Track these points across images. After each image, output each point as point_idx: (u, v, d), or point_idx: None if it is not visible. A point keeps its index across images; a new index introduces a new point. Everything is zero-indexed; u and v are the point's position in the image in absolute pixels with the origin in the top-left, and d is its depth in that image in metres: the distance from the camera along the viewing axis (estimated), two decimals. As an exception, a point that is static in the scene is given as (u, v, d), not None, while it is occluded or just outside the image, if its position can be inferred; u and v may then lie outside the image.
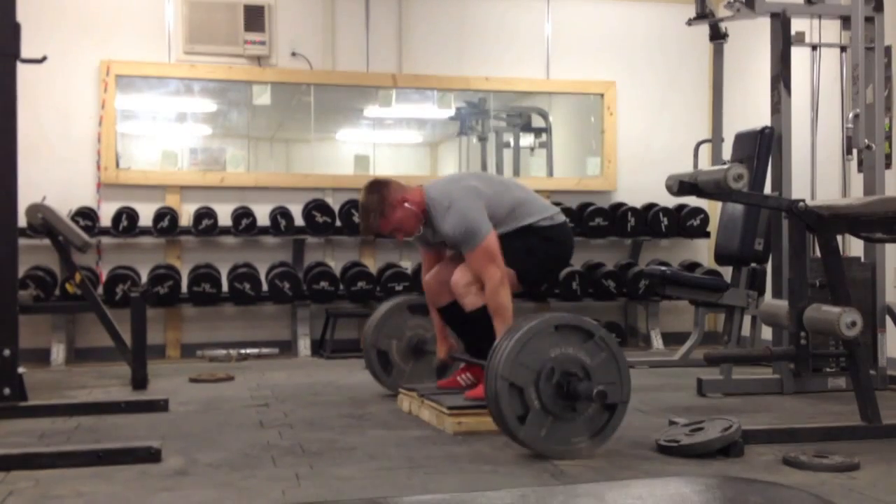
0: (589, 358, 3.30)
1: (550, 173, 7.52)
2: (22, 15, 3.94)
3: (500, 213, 4.01)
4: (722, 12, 5.24)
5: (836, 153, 5.30)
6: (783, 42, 4.89)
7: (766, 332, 5.16)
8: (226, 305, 6.59)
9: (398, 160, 7.69)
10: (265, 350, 6.56)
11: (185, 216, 6.68)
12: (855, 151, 4.74)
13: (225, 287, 6.49)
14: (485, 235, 3.89)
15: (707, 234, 7.20)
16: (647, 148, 7.47)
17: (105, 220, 6.50)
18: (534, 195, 4.22)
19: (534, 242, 4.06)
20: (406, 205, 4.02)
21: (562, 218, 4.20)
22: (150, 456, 3.24)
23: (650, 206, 7.19)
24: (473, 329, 4.06)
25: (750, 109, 6.76)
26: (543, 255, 4.10)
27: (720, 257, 5.57)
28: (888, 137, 5.45)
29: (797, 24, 5.03)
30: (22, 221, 4.84)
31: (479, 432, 3.71)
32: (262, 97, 7.05)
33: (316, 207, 6.71)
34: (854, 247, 5.10)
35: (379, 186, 4.09)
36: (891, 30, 5.30)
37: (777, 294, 4.84)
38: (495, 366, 3.24)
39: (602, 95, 7.48)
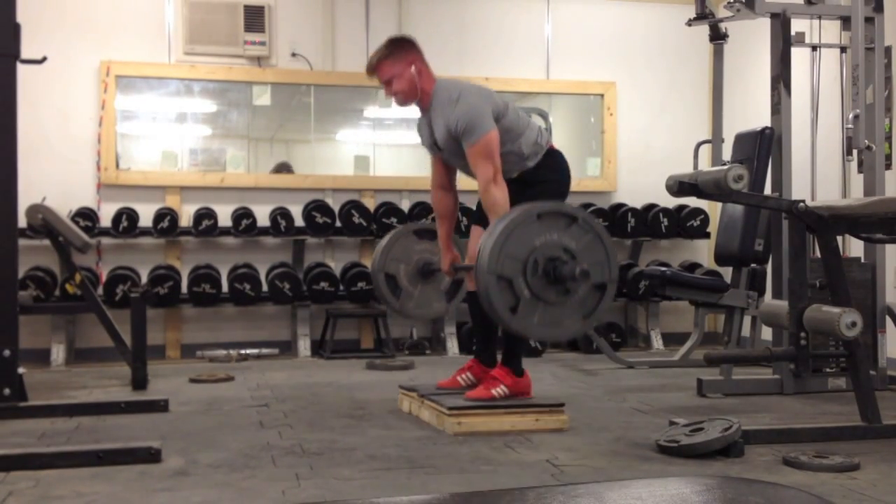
0: (574, 241, 3.30)
1: (550, 174, 7.51)
2: (22, 15, 3.95)
3: (504, 124, 3.93)
4: (722, 13, 5.24)
5: (836, 154, 5.30)
6: (783, 42, 4.89)
7: (766, 333, 5.16)
8: (226, 306, 6.59)
9: (398, 161, 7.69)
10: (265, 350, 6.57)
11: (185, 217, 6.69)
12: (855, 152, 4.73)
13: (225, 287, 6.49)
14: (487, 130, 3.82)
15: (707, 235, 7.20)
16: (647, 148, 7.48)
17: (105, 220, 6.50)
18: (531, 122, 4.13)
19: (536, 192, 3.91)
20: (413, 68, 3.96)
21: (546, 141, 4.08)
22: (150, 456, 3.24)
23: (650, 207, 7.19)
24: (490, 324, 4.07)
25: (750, 110, 6.76)
26: (549, 196, 3.95)
27: (720, 258, 5.58)
28: (888, 138, 5.46)
29: (797, 25, 5.04)
30: (22, 222, 4.84)
31: (479, 432, 3.71)
32: (262, 98, 7.05)
33: (316, 208, 6.71)
34: (854, 247, 5.10)
35: (403, 38, 4.08)
36: (891, 30, 5.31)
37: (777, 294, 4.84)
38: (482, 261, 3.24)
39: (602, 96, 7.48)
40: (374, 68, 4.04)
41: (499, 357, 4.07)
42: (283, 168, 7.16)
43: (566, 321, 3.31)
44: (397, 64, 3.97)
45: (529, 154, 3.99)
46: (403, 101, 4.06)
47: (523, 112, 4.18)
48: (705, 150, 6.14)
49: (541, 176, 4.02)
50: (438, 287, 4.55)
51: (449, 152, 4.02)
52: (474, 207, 4.30)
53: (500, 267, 3.22)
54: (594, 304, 3.36)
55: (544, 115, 7.66)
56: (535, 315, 3.26)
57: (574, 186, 7.30)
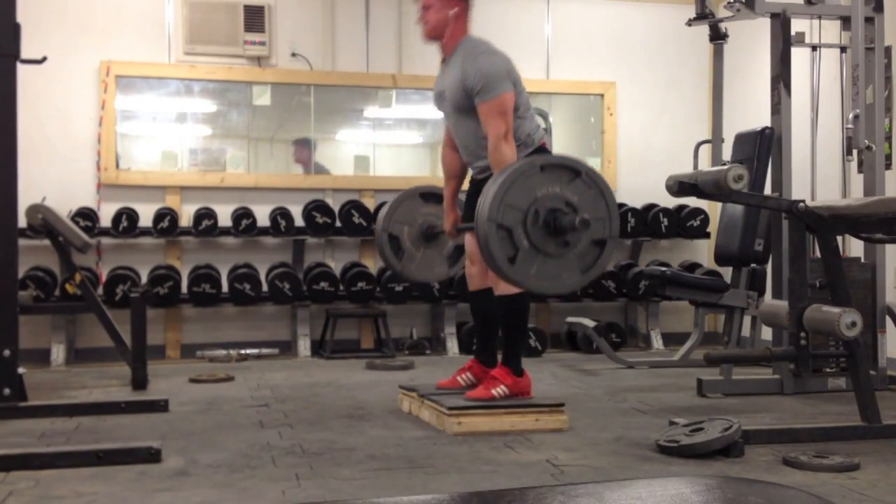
0: (576, 196, 3.30)
1: (550, 174, 7.51)
2: (22, 15, 3.95)
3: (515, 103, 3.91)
4: (722, 13, 5.24)
5: (836, 154, 5.30)
6: (783, 42, 4.89)
7: (766, 333, 5.16)
8: (226, 306, 6.59)
9: (398, 161, 7.69)
10: (265, 350, 6.57)
11: (185, 217, 6.69)
12: (855, 152, 4.74)
13: (225, 287, 6.50)
14: (505, 90, 3.81)
15: (707, 235, 7.20)
16: (646, 148, 7.48)
17: (105, 220, 6.50)
18: (529, 119, 4.11)
19: None
20: (453, 11, 3.96)
21: (539, 137, 4.04)
22: (150, 456, 3.24)
23: (650, 207, 7.19)
24: (490, 325, 4.09)
25: (750, 110, 6.77)
26: None
27: (720, 258, 5.58)
28: (888, 138, 5.46)
29: (797, 25, 5.04)
30: (22, 222, 4.84)
31: (479, 432, 3.71)
32: (262, 98, 7.06)
33: (316, 208, 6.71)
34: (854, 247, 5.10)
35: None
36: (891, 30, 5.31)
37: (777, 294, 4.84)
38: (483, 209, 3.23)
39: (602, 96, 7.48)
40: None
41: (499, 357, 4.07)
42: (302, 144, 7.15)
43: (564, 274, 3.30)
44: None
45: (519, 144, 3.94)
46: (428, 35, 4.05)
47: (532, 110, 4.18)
48: (705, 150, 6.14)
49: None
50: (441, 251, 4.53)
51: (452, 106, 3.99)
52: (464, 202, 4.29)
53: (501, 216, 3.21)
54: (593, 259, 3.36)
55: (544, 115, 7.64)
56: (534, 266, 3.25)
57: (574, 186, 7.37)
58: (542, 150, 4.02)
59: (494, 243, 3.20)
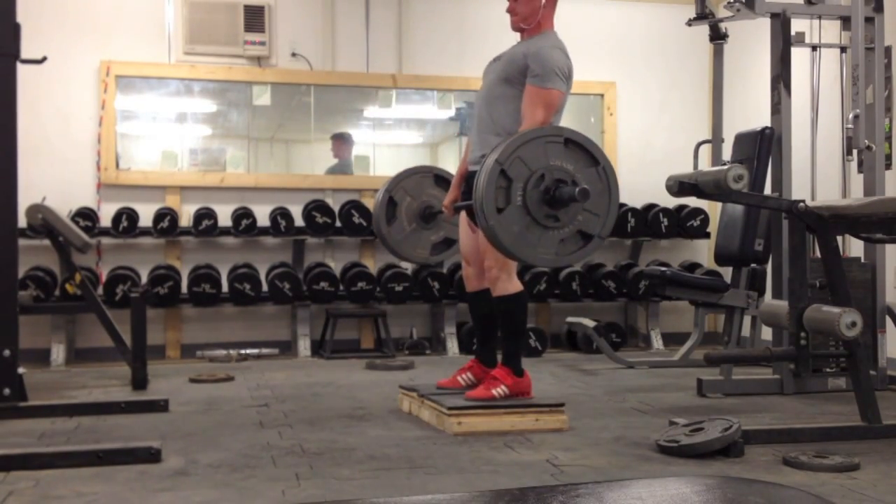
0: (586, 181, 3.28)
1: (550, 174, 7.51)
2: (22, 15, 3.95)
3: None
4: (722, 13, 5.24)
5: (836, 154, 5.30)
6: (783, 42, 4.89)
7: (766, 333, 5.16)
8: (226, 306, 6.59)
9: (398, 161, 7.68)
10: (265, 350, 6.57)
11: (185, 217, 6.69)
12: (855, 152, 4.73)
13: (225, 287, 6.50)
14: (559, 88, 3.79)
15: (707, 235, 7.20)
16: (646, 148, 7.48)
17: (105, 220, 6.50)
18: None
19: None
20: (544, 1, 3.97)
21: None
22: (150, 456, 3.24)
23: (650, 207, 7.19)
24: (490, 324, 4.08)
25: (750, 110, 6.77)
26: None
27: (720, 258, 5.58)
28: (888, 138, 5.46)
29: (797, 25, 5.04)
30: (22, 222, 4.84)
31: (479, 432, 3.71)
32: (262, 98, 7.06)
33: (316, 208, 6.71)
34: (854, 247, 5.10)
35: None
36: (891, 30, 5.30)
37: (777, 294, 4.84)
38: (495, 152, 3.22)
39: (602, 96, 7.48)
40: None
41: (499, 357, 4.07)
42: (343, 138, 7.15)
43: (541, 248, 3.28)
44: None
45: None
46: (517, 23, 4.02)
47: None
48: (705, 150, 6.14)
49: None
50: (430, 235, 4.51)
51: (499, 72, 3.94)
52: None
53: (508, 164, 3.19)
54: (573, 249, 3.34)
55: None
56: (518, 225, 3.22)
57: (574, 186, 7.37)
58: None
59: (491, 188, 3.18)
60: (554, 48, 3.89)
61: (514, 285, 3.91)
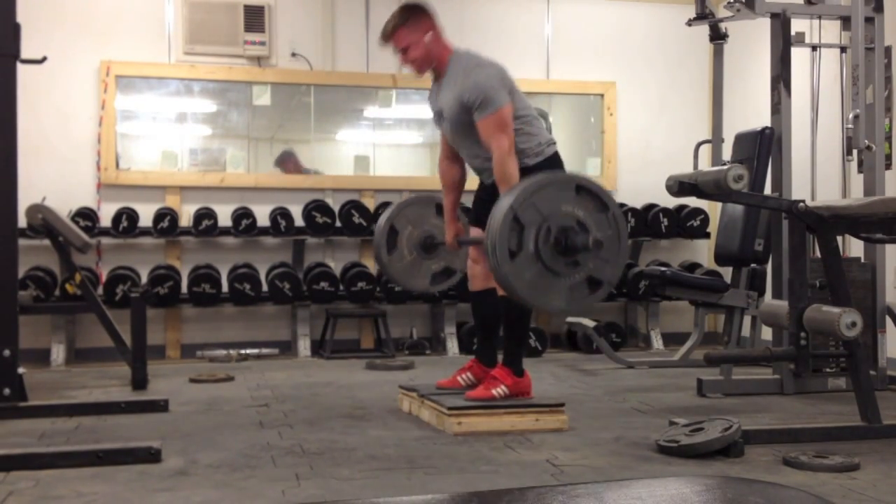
0: (596, 228, 3.28)
1: (550, 174, 7.51)
2: (22, 15, 3.94)
3: (514, 112, 3.89)
4: (722, 13, 5.24)
5: (836, 154, 5.30)
6: (783, 42, 4.89)
7: (766, 333, 5.16)
8: (226, 306, 6.59)
9: (398, 161, 7.69)
10: (265, 350, 6.57)
11: (185, 217, 6.69)
12: (855, 152, 4.74)
13: (225, 287, 6.49)
14: (503, 104, 3.78)
15: (707, 235, 7.20)
16: (646, 148, 7.48)
17: (105, 220, 6.50)
18: (539, 122, 4.09)
19: None
20: (429, 36, 3.93)
21: (552, 149, 4.03)
22: (150, 456, 3.24)
23: (650, 207, 7.19)
24: (491, 324, 4.08)
25: (750, 110, 6.77)
26: None
27: (720, 258, 5.58)
28: (888, 138, 5.46)
29: (797, 25, 5.04)
30: (22, 222, 4.84)
31: (479, 433, 3.71)
32: (262, 98, 7.05)
33: (316, 208, 6.71)
34: (854, 247, 5.10)
35: (417, 5, 4.03)
36: (891, 30, 5.30)
37: (777, 294, 4.84)
38: (508, 197, 3.24)
39: (602, 96, 7.48)
40: (389, 36, 3.99)
41: (499, 357, 4.07)
42: (285, 157, 7.13)
43: (552, 295, 3.28)
44: (413, 32, 3.92)
45: (531, 154, 3.93)
46: (419, 70, 4.02)
47: (532, 110, 4.14)
48: (705, 150, 6.14)
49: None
50: (431, 265, 4.50)
51: (452, 123, 3.96)
52: (471, 206, 4.29)
53: (522, 210, 3.20)
54: (582, 295, 3.34)
55: (544, 115, 7.65)
56: (529, 272, 3.23)
57: (574, 186, 7.37)
58: (556, 158, 4.01)
59: (504, 234, 3.19)
60: (471, 70, 3.86)
61: None
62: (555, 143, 4.07)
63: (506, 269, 3.21)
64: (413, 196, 4.63)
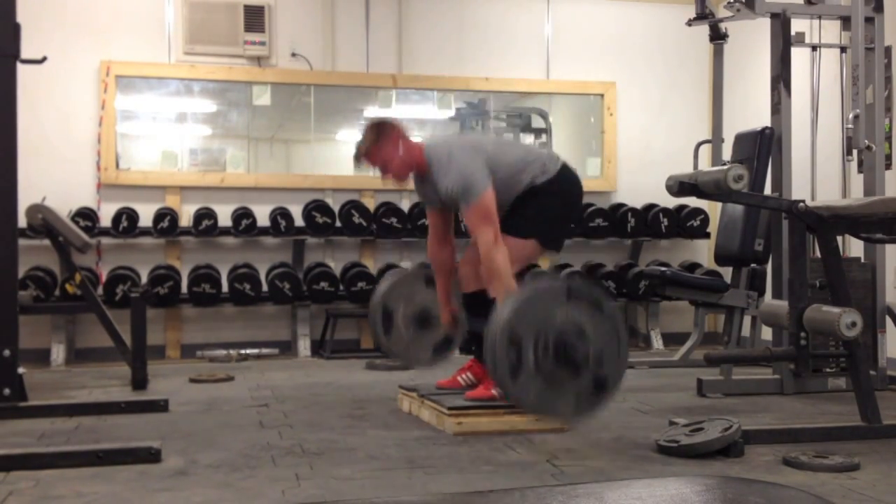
0: (593, 330, 3.28)
1: (550, 174, 7.51)
2: (22, 15, 3.95)
3: (504, 172, 3.95)
4: (722, 13, 5.24)
5: (836, 154, 5.30)
6: (783, 42, 4.89)
7: (766, 333, 5.16)
8: (226, 306, 6.59)
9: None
10: (265, 350, 6.57)
11: (185, 217, 6.69)
12: (855, 152, 4.73)
13: (225, 287, 6.50)
14: (481, 192, 3.81)
15: (707, 235, 7.20)
16: (646, 148, 7.47)
17: (105, 220, 6.50)
18: (533, 149, 4.15)
19: (542, 203, 4.00)
20: (400, 147, 3.98)
21: (558, 165, 4.08)
22: (150, 456, 3.24)
23: (650, 207, 7.19)
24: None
25: (750, 110, 6.76)
26: (553, 212, 4.05)
27: (720, 258, 5.58)
28: (888, 138, 5.46)
29: (797, 25, 5.04)
30: (22, 222, 4.84)
31: (479, 433, 3.71)
32: (262, 98, 7.05)
33: (316, 208, 6.71)
34: (854, 247, 5.10)
35: (383, 121, 4.12)
36: (891, 30, 5.30)
37: (777, 294, 4.84)
38: (500, 315, 3.24)
39: (602, 96, 7.48)
40: (363, 158, 4.06)
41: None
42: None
43: (560, 404, 3.28)
44: (384, 149, 3.98)
45: (538, 174, 4.02)
46: (401, 179, 4.10)
47: (522, 146, 4.18)
48: (705, 150, 6.14)
49: (550, 188, 4.04)
50: (430, 338, 4.54)
51: (457, 208, 4.05)
52: None
53: (516, 328, 3.21)
54: (590, 399, 3.31)
55: (544, 115, 7.66)
56: (533, 387, 3.24)
57: (574, 187, 7.36)
58: (566, 172, 4.08)
59: (502, 353, 3.20)
60: (447, 165, 3.91)
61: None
62: (558, 160, 4.13)
63: (510, 388, 3.23)
64: (398, 275, 4.68)
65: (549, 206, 4.03)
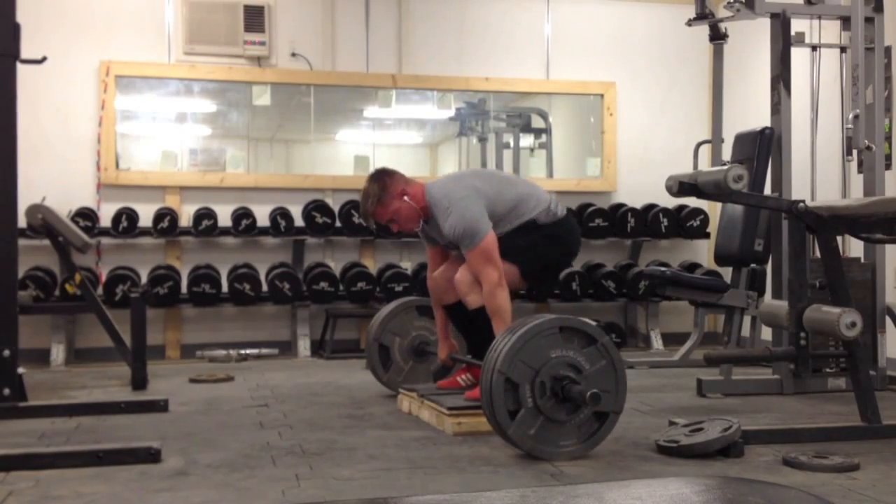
0: (588, 363, 3.30)
1: (550, 174, 7.52)
2: (22, 15, 3.94)
3: (502, 210, 4.00)
4: (722, 13, 5.24)
5: (836, 154, 5.30)
6: (783, 42, 4.89)
7: (766, 333, 5.16)
8: (226, 306, 6.59)
9: (398, 161, 7.66)
10: (265, 350, 6.57)
11: (185, 217, 6.69)
12: (855, 152, 4.73)
13: (225, 287, 6.50)
14: (482, 236, 3.87)
15: (707, 235, 7.20)
16: (646, 148, 7.48)
17: (105, 220, 6.50)
18: (536, 189, 4.18)
19: (536, 239, 4.05)
20: (405, 198, 4.02)
21: (563, 211, 4.16)
22: (150, 456, 3.24)
23: (650, 207, 7.19)
24: (476, 328, 4.06)
25: (750, 110, 6.76)
26: (545, 251, 4.09)
27: (720, 258, 5.57)
28: (888, 138, 5.45)
29: (797, 25, 5.03)
30: (22, 222, 4.84)
31: (479, 433, 3.70)
32: (262, 98, 7.06)
33: (316, 208, 6.71)
34: (854, 247, 5.10)
35: (382, 174, 4.11)
36: (891, 30, 5.31)
37: (777, 295, 4.84)
38: (493, 359, 3.24)
39: (602, 96, 7.48)
40: (372, 216, 4.10)
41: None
42: None
43: (562, 441, 3.29)
44: (390, 205, 4.02)
45: (539, 214, 4.07)
46: (414, 228, 4.14)
47: (525, 183, 4.24)
48: (705, 150, 6.14)
49: (550, 230, 4.09)
50: (428, 367, 4.59)
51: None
52: None
53: (511, 370, 3.21)
54: (592, 431, 3.34)
55: (544, 115, 7.67)
56: (533, 428, 3.25)
57: (574, 186, 7.41)
58: (570, 221, 4.18)
59: (498, 396, 3.21)
60: (447, 210, 3.94)
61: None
62: (564, 209, 4.19)
63: (509, 431, 3.24)
64: (390, 308, 4.75)
65: (545, 245, 4.08)
